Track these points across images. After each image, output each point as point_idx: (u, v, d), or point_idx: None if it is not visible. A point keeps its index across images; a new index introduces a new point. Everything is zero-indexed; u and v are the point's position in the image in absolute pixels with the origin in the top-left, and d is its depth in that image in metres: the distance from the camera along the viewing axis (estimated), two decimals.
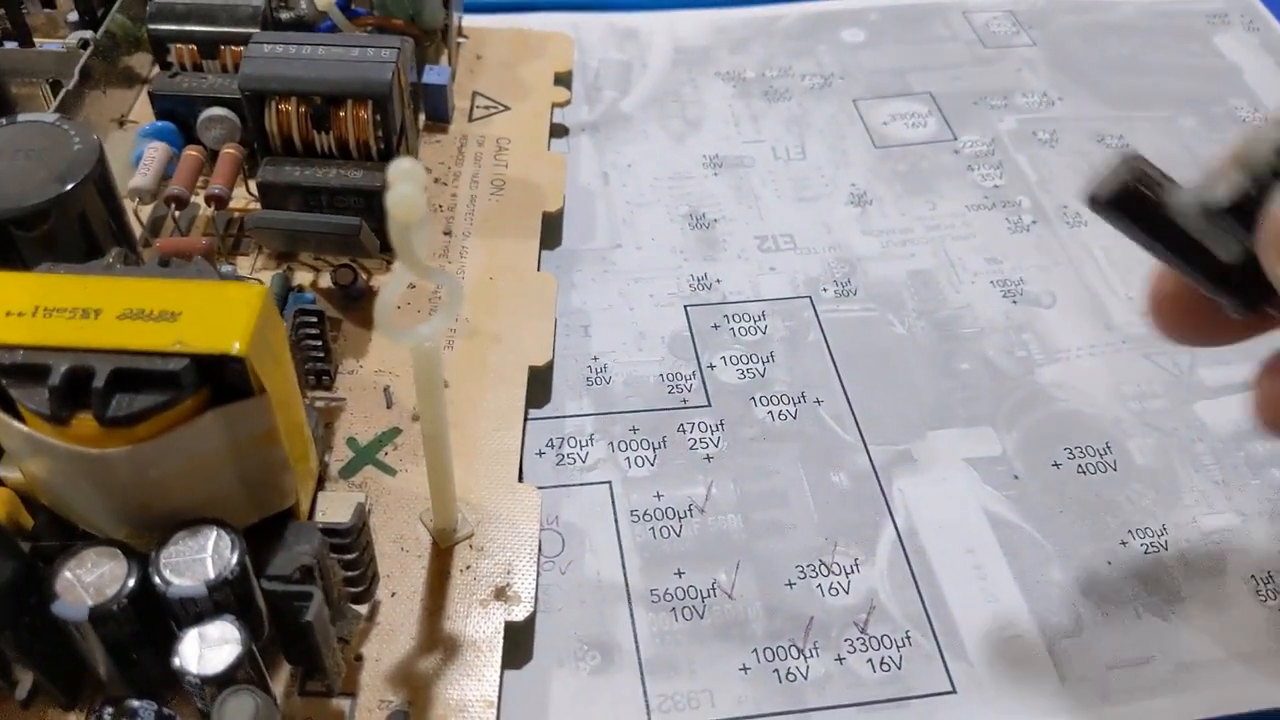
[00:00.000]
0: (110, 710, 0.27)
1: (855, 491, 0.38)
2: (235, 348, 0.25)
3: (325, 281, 0.41)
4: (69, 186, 0.31)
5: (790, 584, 0.36)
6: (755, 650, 0.34)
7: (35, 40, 0.47)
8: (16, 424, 0.26)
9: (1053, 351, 0.43)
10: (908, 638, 0.35)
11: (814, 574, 0.36)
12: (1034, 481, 0.39)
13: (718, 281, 0.46)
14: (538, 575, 0.34)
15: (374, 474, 0.36)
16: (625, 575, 0.36)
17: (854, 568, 0.36)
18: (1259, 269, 0.26)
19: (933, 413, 0.41)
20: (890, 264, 0.47)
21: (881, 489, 0.38)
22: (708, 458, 0.39)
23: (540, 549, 0.35)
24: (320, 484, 0.35)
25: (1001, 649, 0.34)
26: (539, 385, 0.40)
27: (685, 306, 0.45)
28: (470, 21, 0.55)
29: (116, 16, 0.46)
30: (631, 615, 0.35)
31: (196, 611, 0.26)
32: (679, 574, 0.36)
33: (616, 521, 0.37)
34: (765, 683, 0.34)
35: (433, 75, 0.48)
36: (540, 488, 0.36)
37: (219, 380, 0.26)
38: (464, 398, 0.37)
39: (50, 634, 0.26)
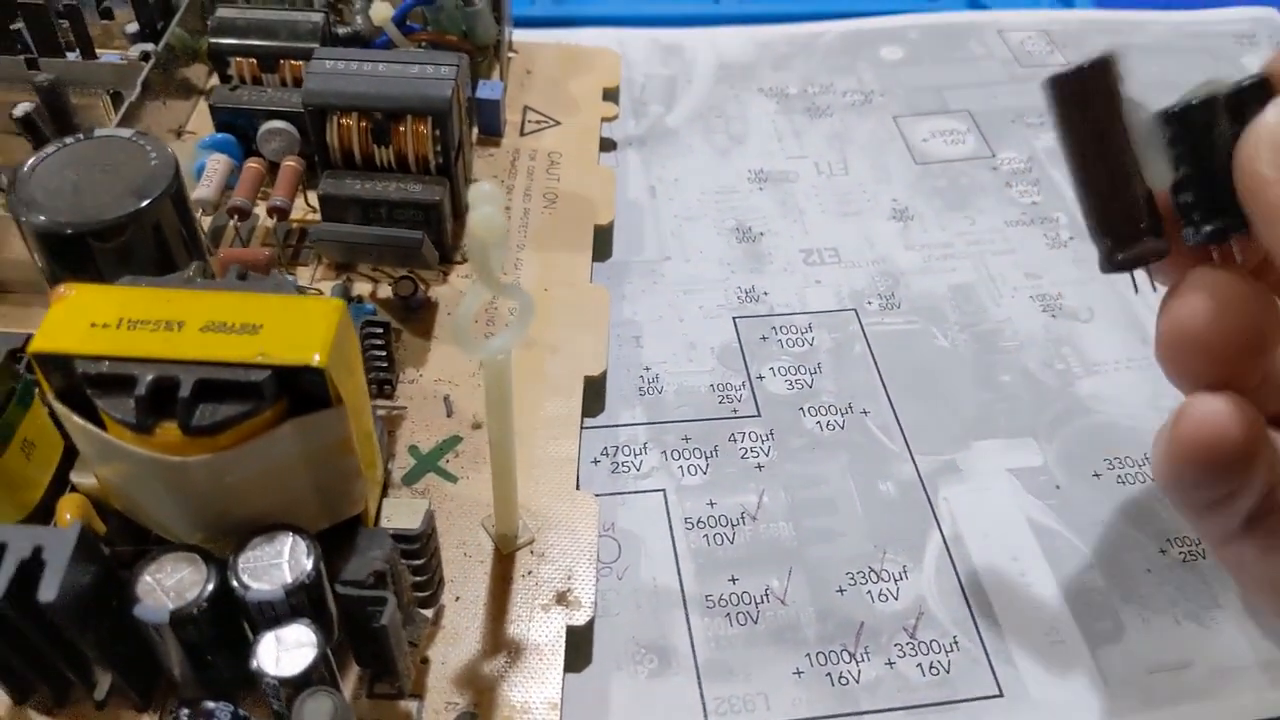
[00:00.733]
0: (187, 711, 0.28)
1: (902, 500, 0.39)
2: (316, 359, 0.25)
3: (384, 292, 0.42)
4: (146, 202, 0.32)
5: (841, 590, 0.36)
6: (808, 654, 0.35)
7: (95, 51, 0.48)
8: (97, 431, 0.26)
9: (1091, 364, 0.44)
10: (955, 643, 0.35)
11: (864, 580, 0.37)
12: (1075, 491, 0.39)
13: (765, 294, 0.46)
14: (596, 580, 0.34)
15: (436, 481, 0.36)
16: (680, 581, 0.37)
17: (902, 574, 0.37)
18: (1179, 194, 0.28)
19: (976, 423, 0.42)
20: (932, 278, 0.47)
21: (928, 497, 0.39)
22: (759, 466, 0.40)
23: (598, 555, 0.35)
24: (384, 491, 0.35)
25: (1046, 654, 0.35)
26: (593, 394, 0.41)
27: (734, 318, 0.45)
28: (519, 36, 0.55)
29: (176, 30, 0.47)
30: (687, 620, 0.36)
31: (273, 615, 0.26)
32: (733, 580, 0.37)
33: (671, 528, 0.38)
34: (818, 686, 0.34)
35: (486, 90, 0.48)
36: (597, 495, 0.37)
37: (297, 390, 0.26)
38: (523, 406, 0.38)
39: (129, 636, 0.27)
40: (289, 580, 0.26)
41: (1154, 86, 0.57)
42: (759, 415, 0.42)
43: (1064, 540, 0.38)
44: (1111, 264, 0.30)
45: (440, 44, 0.47)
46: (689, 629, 0.35)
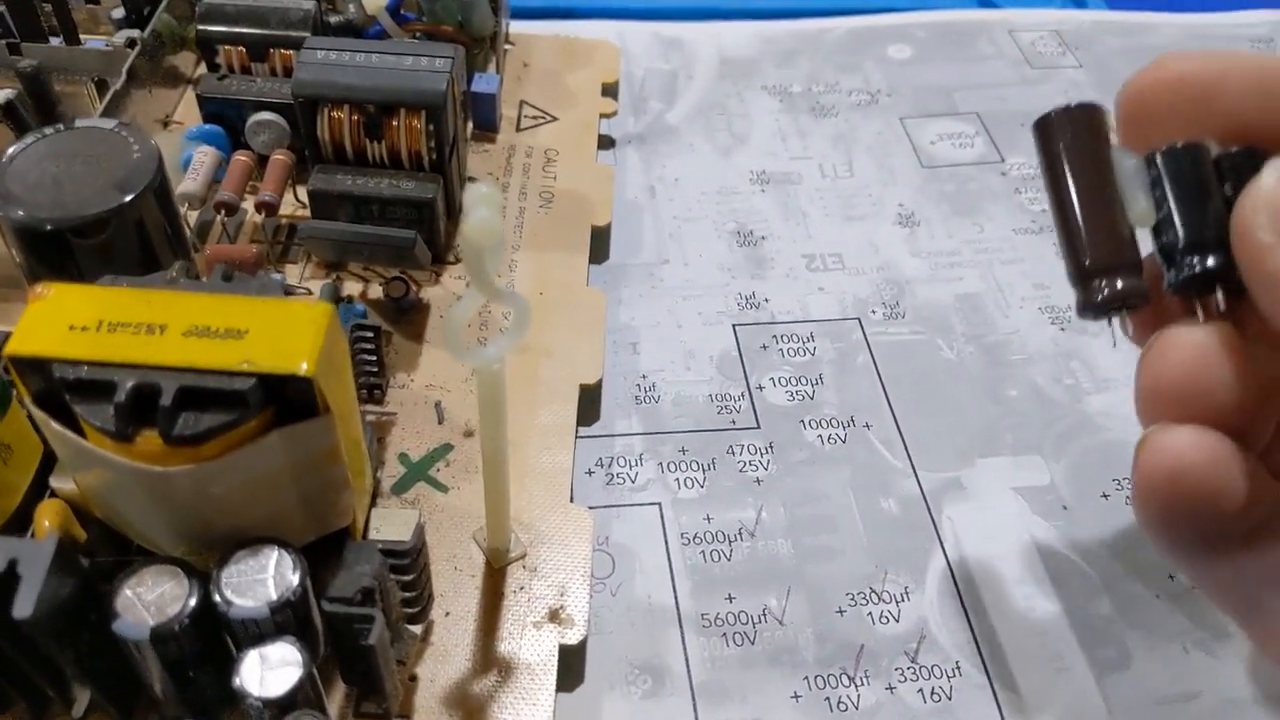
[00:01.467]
0: None
1: (905, 518, 0.38)
2: (303, 368, 0.24)
3: (374, 292, 0.41)
4: (129, 197, 0.31)
5: (841, 611, 0.36)
6: (806, 678, 0.34)
7: (79, 37, 0.47)
8: (76, 438, 0.25)
9: (1101, 380, 0.43)
10: (958, 668, 0.34)
11: (864, 601, 0.36)
12: (1083, 512, 0.38)
13: (766, 300, 0.45)
14: (590, 597, 0.33)
15: (426, 490, 0.35)
16: (676, 599, 0.36)
17: (904, 595, 0.36)
18: (1163, 235, 0.27)
19: (981, 439, 0.41)
20: (938, 287, 0.46)
21: (931, 516, 0.38)
22: (757, 481, 0.39)
23: (591, 571, 0.34)
24: (373, 500, 0.34)
25: (1050, 681, 0.34)
26: (588, 403, 0.40)
27: (733, 325, 0.44)
28: (515, 27, 0.54)
29: (163, 16, 0.46)
30: (683, 639, 0.35)
31: (257, 632, 0.25)
32: (730, 599, 0.36)
33: (667, 544, 0.37)
34: (816, 711, 0.33)
35: (481, 84, 0.47)
36: (591, 507, 0.36)
37: (283, 399, 0.25)
38: (515, 415, 0.37)
39: (108, 652, 0.26)
40: (274, 597, 0.25)
41: None
42: (758, 427, 0.41)
43: (1071, 563, 0.37)
44: (1090, 305, 0.29)
45: (435, 35, 0.46)
46: (684, 649, 0.35)
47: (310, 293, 0.40)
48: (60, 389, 0.25)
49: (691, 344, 0.44)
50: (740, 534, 0.37)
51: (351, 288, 0.41)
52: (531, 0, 0.61)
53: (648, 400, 0.41)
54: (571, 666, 0.33)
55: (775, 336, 0.44)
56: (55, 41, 0.47)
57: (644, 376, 0.42)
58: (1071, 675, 0.34)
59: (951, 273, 0.47)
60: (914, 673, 0.34)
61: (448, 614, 0.32)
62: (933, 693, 0.34)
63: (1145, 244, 0.28)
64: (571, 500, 0.36)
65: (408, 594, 0.30)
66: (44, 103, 0.44)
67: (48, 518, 0.29)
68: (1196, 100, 0.28)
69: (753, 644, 0.35)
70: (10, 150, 0.32)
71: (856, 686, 0.34)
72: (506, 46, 0.52)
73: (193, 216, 0.42)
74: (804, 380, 0.42)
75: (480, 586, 0.33)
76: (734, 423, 0.41)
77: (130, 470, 0.25)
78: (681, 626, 0.35)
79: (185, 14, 0.47)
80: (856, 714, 0.33)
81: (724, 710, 0.33)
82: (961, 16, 0.62)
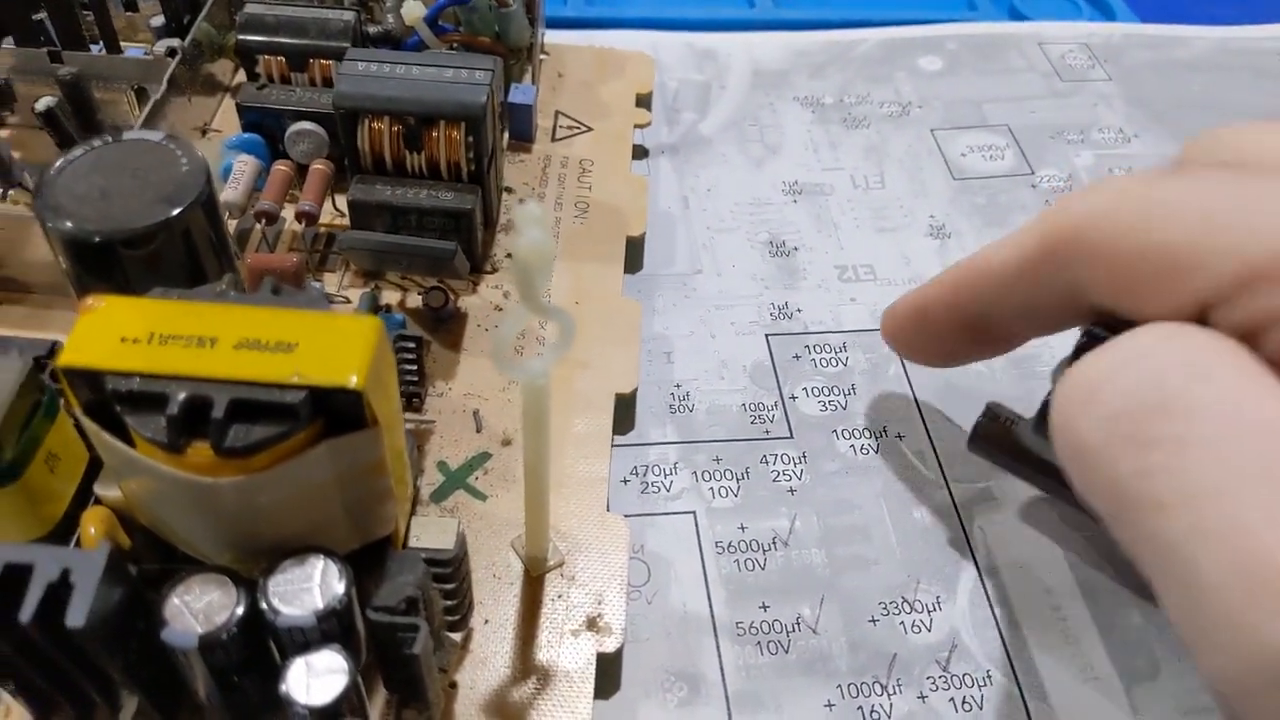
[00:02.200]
0: None
1: (936, 529, 0.38)
2: (353, 381, 0.24)
3: (412, 301, 0.41)
4: (177, 210, 0.31)
5: (873, 620, 0.36)
6: (839, 686, 0.34)
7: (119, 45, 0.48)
8: (125, 448, 0.25)
9: None
10: (989, 677, 0.35)
11: (897, 611, 0.36)
12: None
13: (798, 311, 0.46)
14: (626, 605, 0.34)
15: (464, 499, 0.36)
16: (711, 607, 0.36)
17: (936, 605, 0.36)
18: None
19: None
20: None
21: (963, 527, 0.38)
22: (791, 490, 0.39)
23: (628, 579, 0.35)
24: (412, 508, 0.34)
25: (1081, 691, 0.34)
26: (623, 412, 0.40)
27: (766, 335, 0.44)
28: (550, 37, 0.54)
29: (203, 25, 0.46)
30: (718, 647, 0.35)
31: (303, 640, 0.26)
32: (764, 607, 0.36)
33: (701, 552, 0.37)
34: (850, 719, 0.34)
35: (518, 94, 0.48)
36: (626, 515, 0.36)
37: (332, 411, 0.25)
38: (553, 423, 0.37)
39: (155, 659, 0.26)
40: (320, 606, 0.26)
41: (1195, 106, 0.57)
42: (791, 437, 0.41)
43: (1101, 574, 0.37)
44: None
45: (473, 45, 0.46)
46: (719, 657, 0.35)
47: (349, 301, 0.41)
48: (112, 400, 0.25)
49: (725, 354, 0.44)
50: (774, 543, 0.38)
51: (389, 296, 0.41)
52: (566, 10, 0.61)
53: (682, 409, 0.42)
54: (609, 674, 0.33)
55: (808, 347, 0.44)
56: (95, 49, 0.47)
57: (678, 386, 0.42)
58: (1101, 684, 0.35)
59: None
60: (946, 682, 0.35)
61: (486, 622, 0.32)
62: (964, 702, 0.34)
63: None
64: (608, 509, 0.36)
65: (449, 602, 0.30)
66: (84, 110, 0.45)
67: (93, 524, 0.29)
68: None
69: (787, 652, 0.35)
70: (58, 162, 0.32)
71: (889, 695, 0.34)
72: (541, 56, 0.52)
73: (232, 225, 0.42)
74: (836, 390, 0.42)
75: (519, 594, 0.33)
76: (767, 432, 0.41)
77: (179, 481, 0.25)
78: (716, 635, 0.35)
79: (225, 23, 0.48)
80: None
81: (758, 718, 0.33)
82: (992, 29, 0.63)
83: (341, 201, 0.42)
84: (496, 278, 0.42)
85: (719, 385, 0.43)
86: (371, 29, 0.47)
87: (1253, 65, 0.61)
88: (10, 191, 0.41)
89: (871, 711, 0.34)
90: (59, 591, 0.24)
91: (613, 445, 0.38)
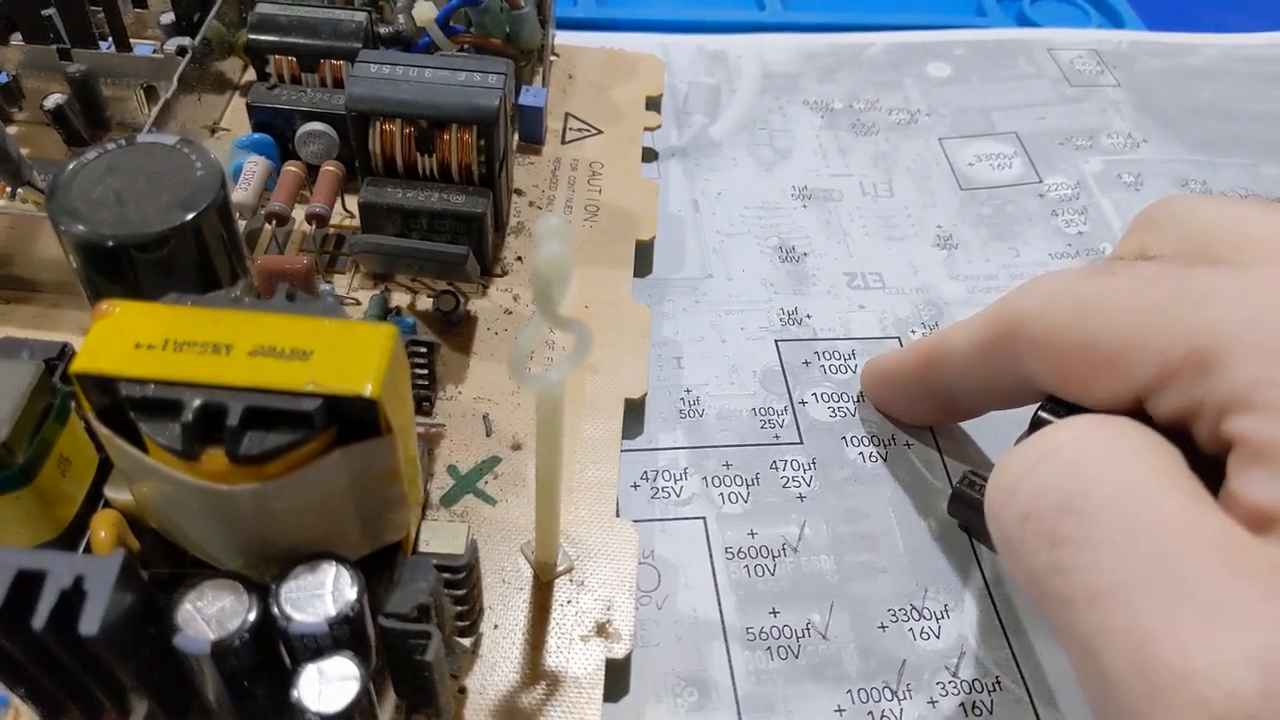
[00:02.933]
0: None
1: (943, 537, 0.38)
2: (369, 390, 0.24)
3: (423, 304, 0.41)
4: (192, 215, 0.31)
5: (883, 627, 0.36)
6: (849, 691, 0.34)
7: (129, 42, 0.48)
8: (138, 454, 0.25)
9: None
10: (998, 683, 0.35)
11: (905, 618, 0.36)
12: None
13: (808, 317, 0.46)
14: (635, 611, 0.34)
15: (474, 503, 0.36)
16: (721, 612, 0.36)
17: (944, 613, 0.36)
18: None
19: None
20: (976, 309, 0.46)
21: (969, 536, 0.38)
22: (800, 497, 0.39)
23: (637, 584, 0.35)
24: (422, 512, 0.35)
25: None
26: (633, 416, 0.40)
27: (776, 341, 0.44)
28: (560, 38, 0.54)
29: (213, 23, 0.46)
30: (728, 652, 0.35)
31: (315, 646, 0.26)
32: (774, 613, 0.36)
33: (711, 558, 0.37)
34: None
35: (529, 97, 0.47)
36: (635, 521, 0.36)
37: (346, 419, 0.25)
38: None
39: (166, 664, 0.26)
40: (332, 613, 0.26)
41: (1204, 113, 0.57)
42: (801, 443, 0.41)
43: None
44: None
45: (484, 47, 0.46)
46: (729, 662, 0.35)
47: (359, 303, 0.41)
48: (126, 406, 0.25)
49: (735, 359, 0.44)
50: (784, 549, 0.38)
51: (399, 298, 0.41)
52: (576, 12, 0.61)
53: (692, 414, 0.42)
54: (618, 679, 0.33)
55: (817, 353, 0.44)
56: (105, 46, 0.47)
57: (688, 390, 0.42)
58: None
59: (988, 296, 0.47)
60: (955, 687, 0.35)
61: (496, 627, 0.32)
62: (974, 707, 0.34)
63: None
64: (617, 514, 0.36)
65: (460, 608, 0.30)
66: (92, 108, 0.45)
67: (103, 528, 0.29)
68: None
69: (797, 658, 0.35)
70: (71, 165, 0.32)
71: (899, 700, 0.34)
72: (551, 58, 0.52)
73: (242, 225, 0.42)
74: (845, 397, 0.42)
75: (528, 600, 0.33)
76: (777, 437, 0.41)
77: (193, 487, 0.25)
78: (726, 640, 0.35)
79: (235, 21, 0.48)
80: None
81: None
82: (1000, 35, 0.63)
83: (352, 203, 0.42)
84: (507, 281, 0.42)
85: (729, 390, 0.43)
86: (382, 30, 0.46)
87: (1261, 73, 0.61)
88: (19, 190, 0.41)
89: (882, 716, 0.34)
90: (72, 598, 0.24)
91: (622, 450, 0.38)
